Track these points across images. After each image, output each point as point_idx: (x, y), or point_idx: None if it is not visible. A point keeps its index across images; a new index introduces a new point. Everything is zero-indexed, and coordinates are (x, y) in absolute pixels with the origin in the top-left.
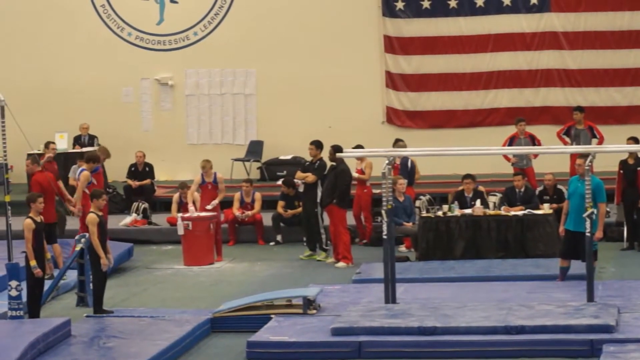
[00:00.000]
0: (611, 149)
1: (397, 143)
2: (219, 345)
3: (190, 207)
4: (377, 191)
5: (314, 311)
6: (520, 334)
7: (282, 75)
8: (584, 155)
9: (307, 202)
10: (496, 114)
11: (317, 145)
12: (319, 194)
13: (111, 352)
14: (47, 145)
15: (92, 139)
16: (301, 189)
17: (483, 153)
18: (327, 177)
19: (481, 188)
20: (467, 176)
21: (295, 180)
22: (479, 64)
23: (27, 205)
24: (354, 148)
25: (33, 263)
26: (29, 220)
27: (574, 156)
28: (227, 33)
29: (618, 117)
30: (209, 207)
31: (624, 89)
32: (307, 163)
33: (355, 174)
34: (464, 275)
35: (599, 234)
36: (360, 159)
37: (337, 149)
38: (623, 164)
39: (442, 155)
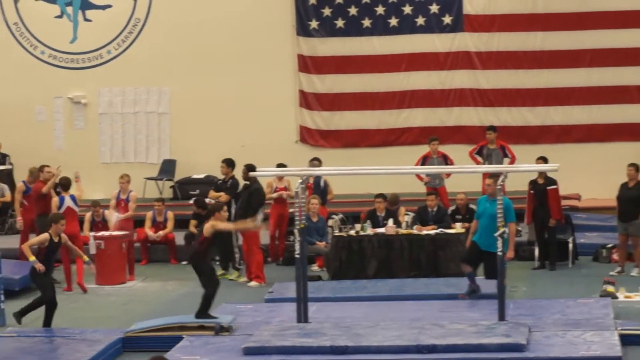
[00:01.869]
0: (522, 169)
1: (313, 162)
2: None
3: (114, 214)
4: (291, 210)
5: (227, 333)
6: (432, 353)
7: (196, 93)
8: (494, 175)
9: None
10: (409, 133)
11: (229, 163)
12: (233, 213)
13: None
14: None
15: (3, 158)
16: None
17: (396, 172)
18: (241, 196)
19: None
20: (379, 195)
21: (208, 200)
22: (392, 83)
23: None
24: (277, 166)
25: (32, 258)
26: (46, 235)
27: (485, 176)
28: (141, 52)
29: (530, 136)
30: (120, 216)
31: (536, 109)
32: (220, 182)
33: (274, 194)
34: (376, 295)
35: (510, 253)
36: (280, 178)
37: (250, 167)
38: (533, 183)
39: (355, 174)
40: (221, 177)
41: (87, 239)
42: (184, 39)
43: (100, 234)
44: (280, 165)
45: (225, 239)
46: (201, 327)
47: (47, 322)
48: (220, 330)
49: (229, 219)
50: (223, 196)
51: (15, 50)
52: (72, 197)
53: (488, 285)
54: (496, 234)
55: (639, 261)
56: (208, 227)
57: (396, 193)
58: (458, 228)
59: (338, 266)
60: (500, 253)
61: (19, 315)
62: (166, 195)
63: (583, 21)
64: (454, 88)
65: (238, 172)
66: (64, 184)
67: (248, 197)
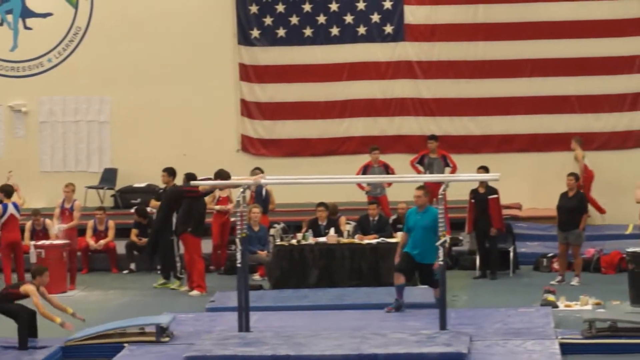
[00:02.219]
0: (464, 178)
1: (255, 171)
2: None
3: (57, 225)
4: (232, 219)
5: (167, 339)
6: None
7: (137, 102)
8: (422, 187)
9: (162, 231)
10: (351, 143)
11: (170, 172)
12: (174, 222)
13: None
14: None
15: None
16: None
17: (337, 182)
18: (182, 205)
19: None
20: (321, 204)
21: (149, 209)
22: (333, 92)
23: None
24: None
25: (58, 320)
26: (33, 289)
27: (427, 185)
28: (82, 60)
29: (471, 146)
30: (63, 227)
31: (477, 119)
32: (161, 191)
33: (216, 207)
34: (317, 304)
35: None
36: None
37: (191, 176)
38: (474, 192)
39: (296, 183)
40: (162, 186)
41: (28, 247)
42: (125, 48)
43: (40, 242)
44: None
45: (167, 247)
46: (142, 333)
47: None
48: (162, 333)
49: (170, 229)
50: None
51: None
52: (15, 205)
53: (430, 295)
54: (437, 243)
55: (579, 270)
56: None
57: (335, 202)
58: (399, 237)
59: (279, 275)
60: (441, 262)
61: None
62: (107, 204)
63: (524, 31)
64: (395, 97)
65: (179, 181)
66: (7, 191)
67: (188, 207)
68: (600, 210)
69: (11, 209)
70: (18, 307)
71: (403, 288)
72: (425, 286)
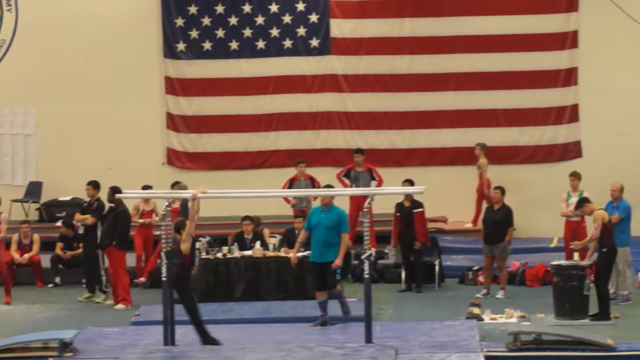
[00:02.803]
0: (389, 191)
1: (177, 185)
2: None
3: None
4: (157, 233)
5: (70, 354)
6: None
7: (63, 115)
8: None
9: (87, 244)
10: (277, 156)
11: (95, 185)
12: (99, 235)
13: None
14: None
15: None
16: (80, 231)
17: (263, 195)
18: (106, 218)
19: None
20: (247, 218)
21: (74, 222)
22: (259, 106)
23: None
24: (142, 188)
25: None
26: None
27: (353, 198)
28: (6, 73)
29: (396, 159)
30: None
31: (403, 132)
32: (85, 204)
33: (139, 220)
34: (243, 317)
35: (338, 261)
36: (146, 200)
37: (115, 190)
38: (400, 206)
39: (222, 197)
40: (87, 199)
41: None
42: (50, 61)
43: None
44: (146, 187)
45: (91, 261)
46: (45, 348)
47: None
48: (64, 348)
49: (95, 242)
50: (89, 218)
51: None
52: None
53: (355, 308)
54: (363, 257)
55: (504, 283)
56: (185, 246)
57: (261, 216)
58: None
59: (205, 289)
60: (367, 275)
61: None
62: (32, 218)
63: (449, 45)
64: (321, 111)
65: (103, 194)
66: None
67: (113, 220)
68: (474, 222)
69: None
70: None
71: (326, 303)
72: (353, 299)
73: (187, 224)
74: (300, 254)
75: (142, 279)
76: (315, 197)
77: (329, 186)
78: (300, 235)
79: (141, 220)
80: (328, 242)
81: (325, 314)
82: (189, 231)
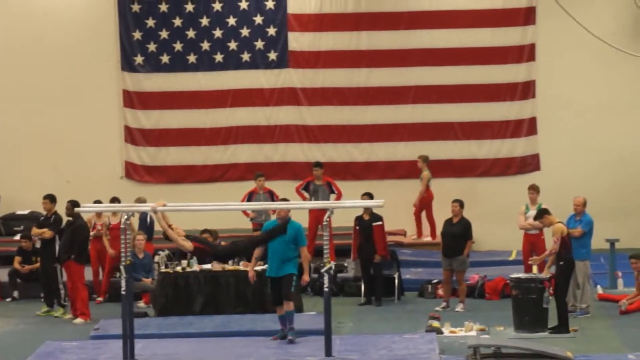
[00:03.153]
0: (348, 205)
1: (139, 199)
2: None
3: None
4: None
5: None
6: None
7: (20, 128)
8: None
9: (45, 258)
10: (235, 169)
11: (52, 199)
12: (57, 249)
13: None
14: None
15: None
16: (38, 245)
17: (222, 209)
18: (64, 232)
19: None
20: (205, 231)
21: (32, 236)
22: (218, 119)
23: None
24: (94, 202)
25: None
26: None
27: (312, 211)
28: None
29: (355, 173)
30: None
31: (361, 145)
32: (42, 218)
33: (91, 233)
34: (203, 331)
35: (306, 277)
36: (99, 214)
37: (75, 204)
38: (359, 219)
39: (181, 210)
40: (44, 213)
41: None
42: (8, 73)
43: None
44: (97, 201)
45: (49, 275)
46: None
47: None
48: None
49: (53, 256)
50: (47, 232)
51: None
52: None
53: (315, 321)
54: (323, 270)
55: (463, 296)
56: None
57: (219, 229)
58: None
59: (164, 302)
60: (327, 289)
61: None
62: None
63: (407, 58)
64: (279, 124)
65: (60, 208)
66: None
67: (71, 234)
68: (419, 233)
69: None
70: None
71: (285, 317)
72: (312, 313)
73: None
74: (258, 268)
75: (100, 299)
76: (274, 211)
77: (285, 199)
78: (255, 250)
79: (93, 233)
80: (285, 256)
81: (285, 328)
82: (173, 237)
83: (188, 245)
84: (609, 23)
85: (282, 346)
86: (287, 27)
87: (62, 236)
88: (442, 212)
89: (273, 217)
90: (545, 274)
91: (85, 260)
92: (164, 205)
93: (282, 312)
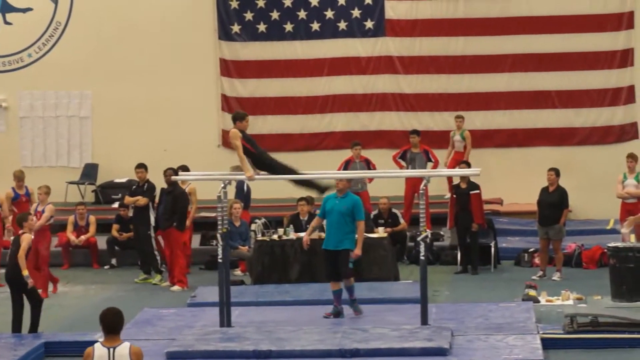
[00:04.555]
0: (445, 173)
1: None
2: None
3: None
4: (212, 214)
5: None
6: (355, 357)
7: (118, 97)
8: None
9: (139, 225)
10: (332, 138)
11: (146, 167)
12: (151, 216)
13: None
14: None
15: None
16: (130, 213)
17: (318, 177)
18: (164, 199)
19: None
20: (302, 199)
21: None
22: (314, 87)
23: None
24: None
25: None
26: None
27: (409, 180)
28: (62, 55)
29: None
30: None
31: (457, 113)
32: (135, 186)
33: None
34: (299, 299)
35: (358, 251)
36: (183, 182)
37: (184, 168)
38: (456, 188)
39: (277, 179)
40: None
41: (8, 243)
42: (105, 43)
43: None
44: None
45: (144, 242)
46: None
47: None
48: None
49: (147, 223)
50: (141, 199)
51: None
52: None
53: (411, 290)
54: (419, 239)
55: (560, 265)
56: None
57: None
58: (381, 232)
59: (261, 271)
60: (422, 257)
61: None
62: (88, 200)
63: (504, 26)
64: (376, 93)
65: (157, 176)
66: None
67: (172, 201)
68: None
69: None
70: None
71: (340, 293)
72: (409, 281)
73: (28, 219)
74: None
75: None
76: (371, 179)
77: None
78: (314, 220)
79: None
80: (342, 229)
81: (339, 304)
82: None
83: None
84: None
85: (378, 314)
86: None
87: (160, 204)
88: (538, 181)
89: (370, 186)
90: None
91: (184, 228)
92: (259, 174)
93: (337, 287)
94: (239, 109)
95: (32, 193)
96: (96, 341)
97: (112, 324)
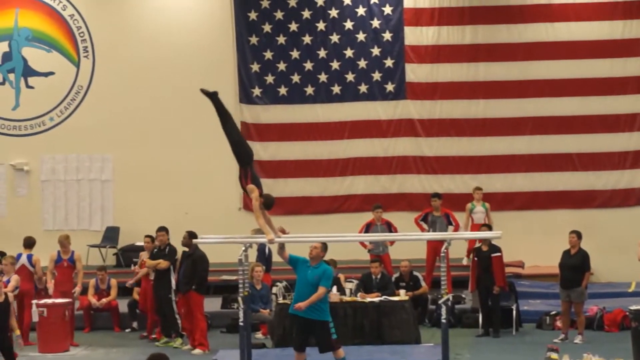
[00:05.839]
0: (468, 236)
1: (256, 231)
2: None
3: (49, 285)
4: (234, 277)
5: None
6: None
7: (139, 161)
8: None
9: (160, 289)
10: (353, 200)
11: (167, 231)
12: (172, 279)
13: None
14: None
15: None
16: (151, 277)
17: (340, 240)
18: (184, 263)
19: (340, 275)
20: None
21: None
22: (335, 150)
23: None
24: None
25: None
26: None
27: (430, 243)
28: (84, 119)
29: None
30: (75, 293)
31: (479, 177)
32: (156, 250)
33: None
34: None
35: (303, 304)
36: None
37: (192, 235)
38: (477, 250)
39: (298, 242)
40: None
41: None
42: (127, 107)
43: (42, 301)
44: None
45: (165, 306)
46: None
47: None
48: None
49: (168, 287)
50: (163, 262)
51: None
52: (29, 257)
53: (433, 353)
54: (440, 302)
55: (582, 328)
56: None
57: (337, 260)
58: (402, 295)
59: (282, 334)
60: (444, 320)
61: None
62: (109, 263)
63: (524, 89)
64: (396, 155)
65: (174, 239)
66: (27, 243)
67: (192, 265)
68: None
69: (23, 260)
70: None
71: None
72: (430, 344)
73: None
74: (377, 299)
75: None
76: (392, 242)
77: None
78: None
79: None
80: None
81: None
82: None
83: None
84: None
85: None
86: (404, 58)
87: (180, 267)
88: (559, 243)
89: (391, 249)
90: None
91: (205, 291)
92: (284, 233)
93: (303, 358)
94: (259, 172)
95: (78, 259)
96: None
97: None
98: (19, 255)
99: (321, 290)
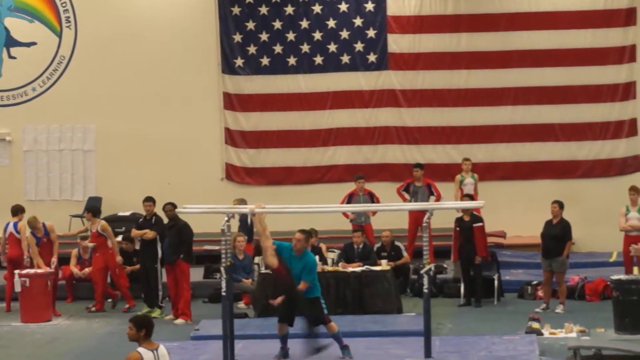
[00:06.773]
0: (448, 206)
1: (238, 201)
2: None
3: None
4: (216, 247)
5: None
6: None
7: (122, 131)
8: (304, 232)
9: (146, 259)
10: (335, 171)
11: (154, 201)
12: (159, 250)
13: None
14: None
15: None
16: (137, 246)
17: (322, 210)
18: (169, 233)
19: (322, 245)
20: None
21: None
22: (317, 121)
23: None
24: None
25: None
26: None
27: (412, 213)
28: (66, 89)
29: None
30: (52, 264)
31: (460, 147)
32: (142, 219)
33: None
34: (302, 332)
35: (278, 300)
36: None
37: (174, 205)
38: (459, 220)
39: (280, 212)
40: (144, 214)
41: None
42: (109, 77)
43: (25, 271)
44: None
45: (151, 276)
46: None
47: None
48: None
49: (155, 257)
50: (149, 232)
51: None
52: (15, 224)
53: (415, 322)
54: (422, 271)
55: (563, 298)
56: (273, 260)
57: (319, 230)
58: (384, 265)
59: (264, 303)
60: (426, 290)
61: None
62: None
63: (506, 59)
64: (378, 126)
65: (158, 209)
66: (13, 210)
67: (178, 234)
68: None
69: (11, 228)
70: None
71: (287, 337)
72: (412, 314)
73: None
74: (359, 269)
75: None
76: (374, 212)
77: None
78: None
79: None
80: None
81: (286, 346)
82: (265, 245)
83: (274, 262)
84: None
85: (382, 347)
86: (386, 29)
87: (165, 237)
88: (541, 213)
89: (373, 219)
90: None
91: (192, 260)
92: (263, 208)
93: (284, 332)
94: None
95: (51, 229)
96: None
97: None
98: (7, 224)
99: (302, 285)
